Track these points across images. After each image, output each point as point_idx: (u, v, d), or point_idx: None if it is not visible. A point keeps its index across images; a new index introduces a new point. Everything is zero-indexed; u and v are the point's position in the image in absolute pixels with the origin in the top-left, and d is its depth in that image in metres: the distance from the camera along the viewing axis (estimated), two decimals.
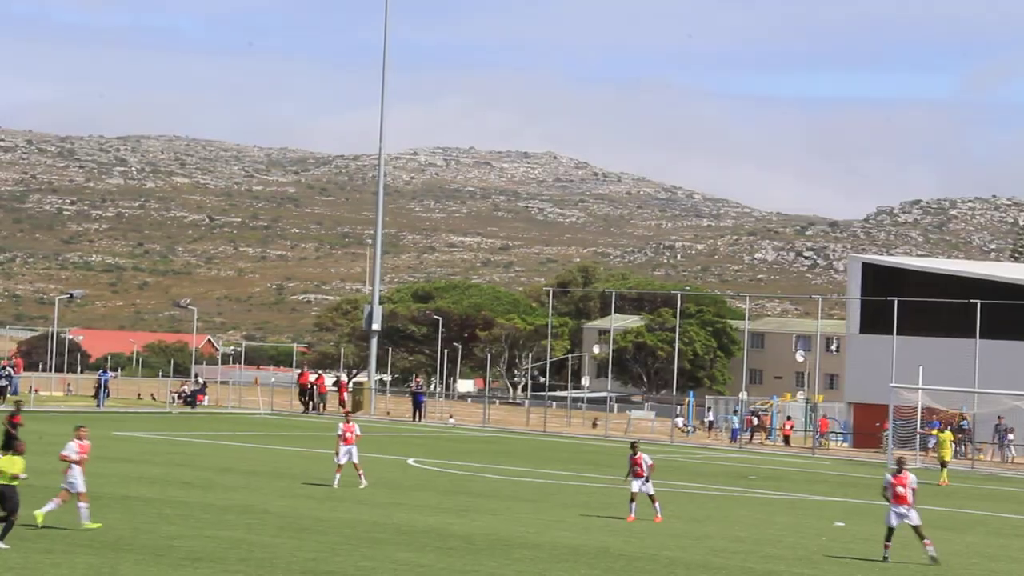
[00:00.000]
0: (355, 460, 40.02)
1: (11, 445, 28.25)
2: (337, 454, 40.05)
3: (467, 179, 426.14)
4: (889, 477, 29.49)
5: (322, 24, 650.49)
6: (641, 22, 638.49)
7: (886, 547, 29.06)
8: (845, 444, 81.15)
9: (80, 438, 28.22)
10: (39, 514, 27.20)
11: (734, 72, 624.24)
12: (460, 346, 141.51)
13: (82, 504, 27.61)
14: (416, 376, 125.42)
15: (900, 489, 29.05)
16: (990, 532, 37.78)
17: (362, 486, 39.31)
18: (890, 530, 29.10)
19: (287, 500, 35.80)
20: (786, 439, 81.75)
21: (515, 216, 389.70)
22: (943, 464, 56.19)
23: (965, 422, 73.06)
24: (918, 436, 68.84)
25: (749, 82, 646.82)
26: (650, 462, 34.87)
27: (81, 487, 27.65)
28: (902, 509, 29.00)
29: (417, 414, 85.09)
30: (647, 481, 34.71)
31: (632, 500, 34.69)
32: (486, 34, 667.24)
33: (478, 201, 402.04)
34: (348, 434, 40.07)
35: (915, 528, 29.17)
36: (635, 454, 34.68)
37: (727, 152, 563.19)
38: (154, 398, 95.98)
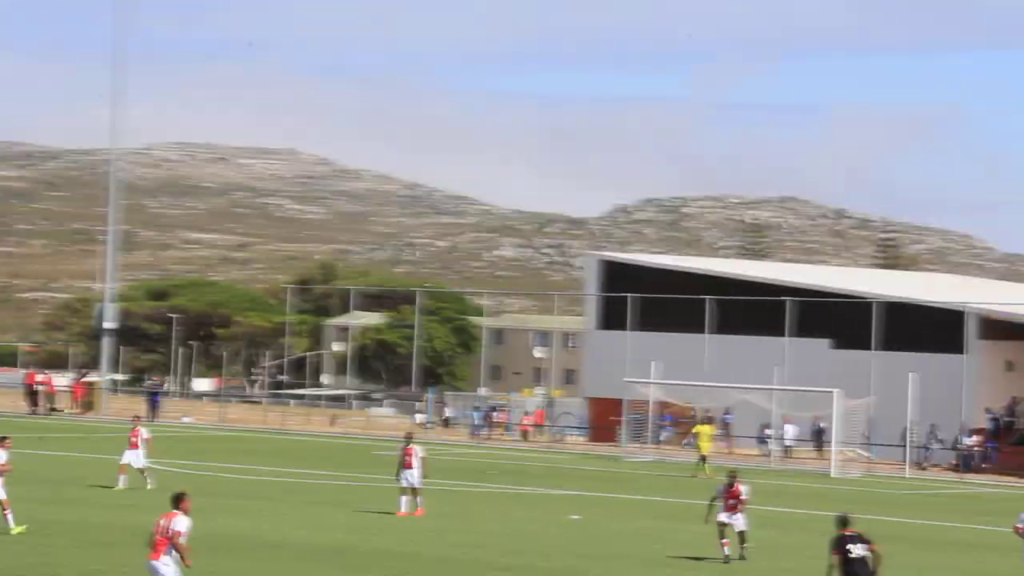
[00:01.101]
0: (141, 464, 39.90)
1: None
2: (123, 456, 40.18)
3: (205, 175, 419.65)
4: (721, 488, 30.33)
5: (52, 17, 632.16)
6: (383, 19, 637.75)
7: (722, 545, 29.61)
8: (582, 438, 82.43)
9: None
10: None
11: (473, 69, 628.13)
12: (196, 344, 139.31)
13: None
14: (152, 376, 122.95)
15: (731, 501, 29.83)
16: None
17: (149, 487, 38.99)
18: (722, 526, 29.71)
19: (13, 503, 34.67)
20: (524, 434, 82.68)
21: (255, 213, 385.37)
22: (703, 458, 57.53)
23: (729, 416, 73.97)
24: (650, 429, 70.34)
25: (488, 79, 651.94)
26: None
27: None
28: (731, 516, 29.75)
29: (153, 413, 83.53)
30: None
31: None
32: (227, 29, 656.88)
33: (216, 197, 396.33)
34: (134, 438, 40.29)
35: (740, 533, 29.82)
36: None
37: (467, 149, 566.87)
38: None
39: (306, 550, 28.46)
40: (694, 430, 60.99)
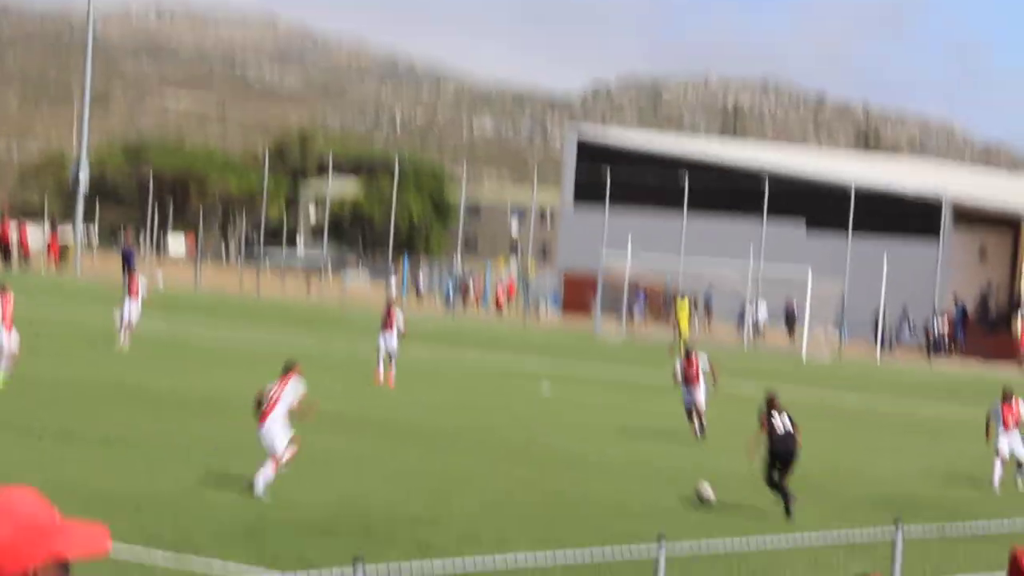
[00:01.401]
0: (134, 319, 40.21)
1: None
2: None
3: (182, 38, 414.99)
4: (682, 361, 30.36)
5: None
6: None
7: (692, 426, 29.77)
8: (555, 312, 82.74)
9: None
10: None
11: None
12: (172, 205, 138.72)
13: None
14: (126, 234, 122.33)
15: (691, 372, 30.04)
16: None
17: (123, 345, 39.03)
18: (689, 411, 29.85)
19: None
20: (497, 306, 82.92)
21: (232, 77, 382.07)
22: (680, 333, 58.15)
23: (751, 304, 72.71)
24: (625, 306, 70.61)
25: None
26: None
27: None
28: (693, 390, 29.90)
29: (127, 273, 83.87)
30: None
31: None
32: None
33: (193, 61, 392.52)
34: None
35: (698, 406, 29.96)
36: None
37: (447, 20, 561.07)
38: None
39: None
40: (678, 303, 61.25)
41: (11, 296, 30.01)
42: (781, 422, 21.46)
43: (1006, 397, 26.27)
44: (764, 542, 15.31)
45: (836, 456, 28.39)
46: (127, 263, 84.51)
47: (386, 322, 36.15)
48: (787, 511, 21.03)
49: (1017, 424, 26.04)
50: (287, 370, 20.06)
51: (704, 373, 30.09)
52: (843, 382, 49.38)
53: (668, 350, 55.88)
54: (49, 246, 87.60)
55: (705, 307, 74.89)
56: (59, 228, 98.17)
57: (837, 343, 67.17)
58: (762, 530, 19.39)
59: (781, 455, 21.40)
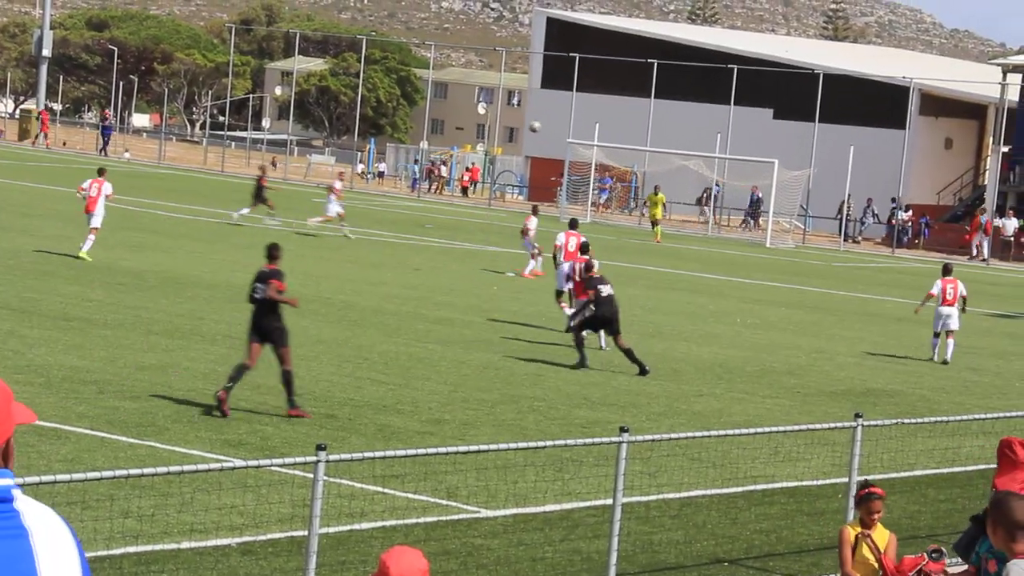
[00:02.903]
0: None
1: None
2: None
3: None
4: (562, 237, 29.81)
5: None
6: None
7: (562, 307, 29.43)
8: (521, 197, 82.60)
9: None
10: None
11: None
12: (136, 79, 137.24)
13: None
14: (105, 110, 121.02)
15: (572, 249, 29.50)
16: (651, 286, 39.22)
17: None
18: (559, 293, 29.50)
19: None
20: (464, 190, 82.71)
21: None
22: (654, 222, 58.40)
23: (716, 187, 71.86)
24: (590, 191, 70.52)
25: None
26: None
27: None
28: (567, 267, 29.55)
29: (104, 148, 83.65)
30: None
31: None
32: None
33: None
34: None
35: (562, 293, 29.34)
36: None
37: None
38: None
39: (237, 290, 28.56)
40: (650, 196, 61.00)
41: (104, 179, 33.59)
42: (604, 287, 22.68)
43: (946, 272, 28.59)
44: (725, 432, 15.44)
45: (797, 346, 28.57)
46: (104, 137, 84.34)
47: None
48: (641, 370, 22.44)
49: (955, 300, 28.01)
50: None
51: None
52: (805, 270, 49.59)
53: (655, 240, 55.86)
54: (40, 118, 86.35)
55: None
56: (20, 101, 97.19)
57: (801, 232, 67.35)
58: (723, 423, 19.56)
59: (604, 318, 22.78)
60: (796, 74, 77.80)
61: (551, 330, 27.03)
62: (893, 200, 69.34)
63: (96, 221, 32.28)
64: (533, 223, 37.69)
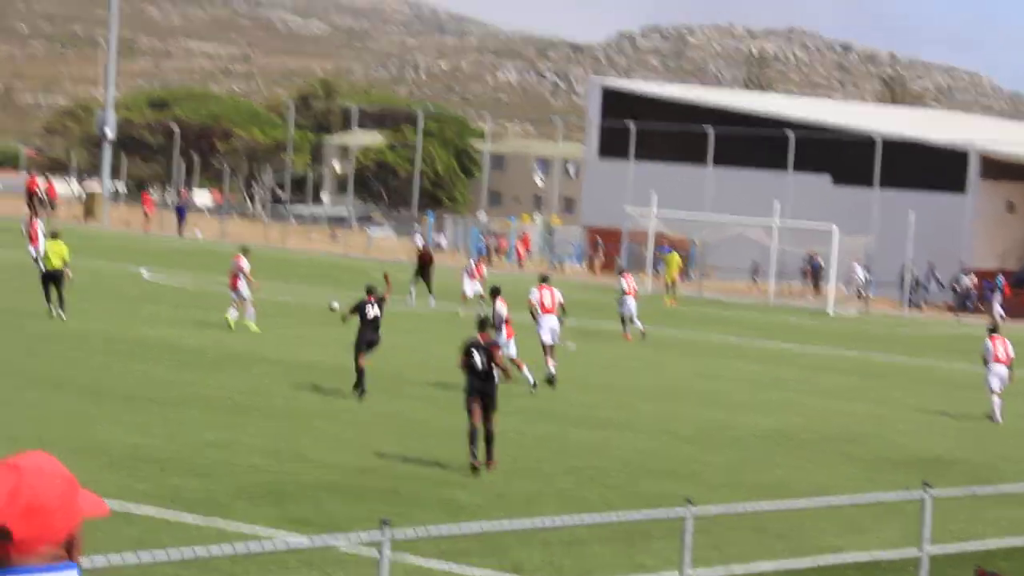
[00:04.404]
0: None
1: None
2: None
3: None
4: (536, 293, 30.70)
5: None
6: None
7: (547, 362, 29.62)
8: (580, 267, 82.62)
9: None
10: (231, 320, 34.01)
11: None
12: (198, 157, 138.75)
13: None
14: (182, 189, 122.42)
15: (548, 303, 30.47)
16: (714, 354, 39.03)
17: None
18: (545, 346, 29.95)
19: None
20: (520, 260, 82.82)
21: (256, 24, 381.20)
22: (670, 284, 58.79)
23: (818, 262, 70.22)
24: (650, 260, 70.42)
25: None
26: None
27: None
28: (552, 322, 29.90)
29: (180, 227, 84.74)
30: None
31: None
32: None
33: (218, 7, 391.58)
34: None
35: (551, 347, 29.65)
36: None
37: None
38: None
39: (301, 367, 28.62)
40: (666, 257, 62.00)
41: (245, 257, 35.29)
42: (479, 359, 19.40)
43: (993, 330, 29.30)
44: (793, 504, 15.29)
45: (862, 414, 28.32)
46: (180, 217, 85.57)
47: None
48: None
49: (1008, 359, 28.44)
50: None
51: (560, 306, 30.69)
52: (870, 338, 49.22)
53: (670, 303, 55.78)
54: (143, 201, 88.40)
55: (753, 271, 74.28)
56: (83, 180, 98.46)
57: (864, 298, 66.91)
58: (790, 493, 19.38)
59: (480, 388, 19.57)
60: (854, 139, 77.62)
61: (605, 395, 26.91)
62: (961, 266, 68.82)
63: (246, 293, 34.66)
64: None
